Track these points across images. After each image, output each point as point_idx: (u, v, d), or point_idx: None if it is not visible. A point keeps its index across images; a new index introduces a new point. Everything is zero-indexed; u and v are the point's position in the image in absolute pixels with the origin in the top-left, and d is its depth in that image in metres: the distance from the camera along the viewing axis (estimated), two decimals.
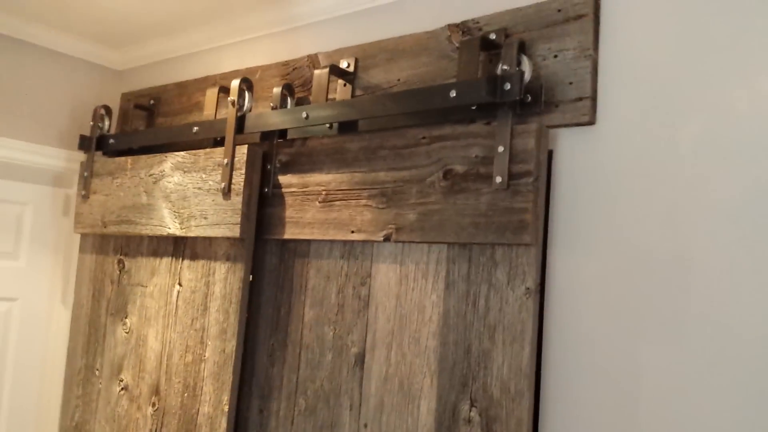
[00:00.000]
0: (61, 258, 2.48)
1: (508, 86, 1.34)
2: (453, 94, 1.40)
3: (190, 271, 1.91)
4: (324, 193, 1.69)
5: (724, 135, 1.21)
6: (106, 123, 2.32)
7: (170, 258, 1.99)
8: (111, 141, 2.26)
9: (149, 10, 2.13)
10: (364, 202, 1.61)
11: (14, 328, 2.34)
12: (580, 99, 1.36)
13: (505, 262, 1.37)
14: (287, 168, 1.80)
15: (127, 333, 2.08)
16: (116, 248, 2.18)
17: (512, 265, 1.36)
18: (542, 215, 1.37)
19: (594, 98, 1.36)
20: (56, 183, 2.46)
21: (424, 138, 1.53)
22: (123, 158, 2.17)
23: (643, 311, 1.26)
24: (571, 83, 1.38)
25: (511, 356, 1.33)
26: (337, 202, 1.66)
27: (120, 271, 2.15)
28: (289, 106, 1.84)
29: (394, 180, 1.56)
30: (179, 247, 1.96)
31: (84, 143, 2.29)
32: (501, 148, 1.38)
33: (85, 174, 2.27)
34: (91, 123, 2.31)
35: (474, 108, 1.47)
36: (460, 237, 1.42)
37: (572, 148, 1.39)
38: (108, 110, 2.33)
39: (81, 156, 2.37)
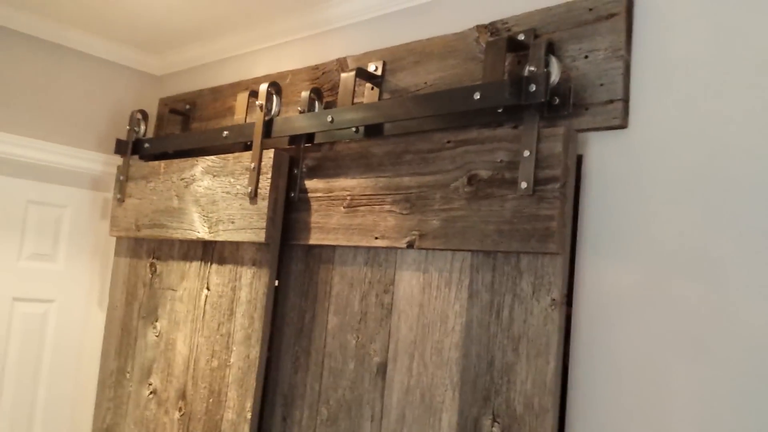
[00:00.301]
0: (98, 261, 2.52)
1: (533, 88, 1.29)
2: (477, 96, 1.36)
3: (217, 275, 1.91)
4: (349, 198, 1.66)
5: (767, 137, 1.13)
6: (142, 127, 2.34)
7: (199, 262, 1.99)
8: (146, 145, 2.28)
9: (185, 16, 2.14)
10: (388, 207, 1.57)
11: (51, 330, 2.39)
12: (612, 101, 1.30)
13: (530, 272, 1.32)
14: (314, 172, 1.77)
15: (157, 336, 2.09)
16: (149, 252, 2.20)
17: (537, 275, 1.30)
18: (570, 223, 1.30)
19: (626, 100, 1.30)
20: (94, 186, 2.51)
21: (449, 142, 1.48)
22: (156, 162, 2.19)
23: (677, 325, 1.18)
24: (602, 85, 1.32)
25: (536, 370, 1.27)
26: (362, 208, 1.63)
27: (152, 274, 2.17)
28: (316, 110, 1.82)
29: (419, 185, 1.52)
30: (208, 251, 1.96)
31: (120, 147, 2.32)
32: (527, 153, 1.32)
33: (121, 178, 2.30)
34: (128, 127, 2.34)
35: (500, 111, 1.42)
36: (484, 244, 1.37)
37: (603, 153, 1.32)
38: (144, 114, 2.36)
39: (119, 160, 2.41)
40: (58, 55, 2.38)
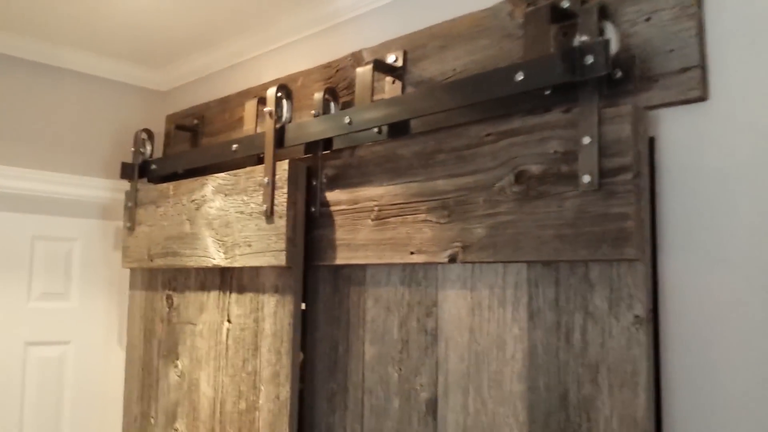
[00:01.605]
0: (114, 295, 2.34)
1: (590, 59, 1.06)
2: (520, 77, 1.13)
3: (238, 305, 1.71)
4: (376, 208, 1.45)
5: None
6: (148, 148, 2.16)
7: (218, 292, 1.79)
8: (153, 166, 2.10)
9: (186, 24, 1.95)
10: (422, 216, 1.35)
11: (69, 374, 2.21)
12: (686, 69, 1.06)
13: (604, 284, 1.09)
14: (335, 183, 1.56)
15: (179, 377, 1.90)
16: (164, 283, 2.02)
17: (614, 287, 1.07)
18: (648, 221, 1.07)
19: (703, 67, 1.06)
20: (104, 215, 2.33)
21: (488, 135, 1.26)
22: (165, 185, 2.00)
23: None
24: (671, 51, 1.08)
25: (622, 405, 1.04)
26: (392, 219, 1.41)
27: (169, 308, 1.98)
28: (332, 112, 1.61)
29: (456, 188, 1.30)
30: (226, 279, 1.77)
31: (126, 171, 2.14)
32: (587, 139, 1.09)
33: (129, 204, 2.12)
34: (132, 149, 2.16)
35: (549, 93, 1.19)
36: (543, 254, 1.14)
37: (680, 133, 1.08)
38: (150, 134, 2.18)
39: (128, 185, 2.23)
40: (53, 78, 2.21)
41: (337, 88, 1.67)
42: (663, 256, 1.09)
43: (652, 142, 1.11)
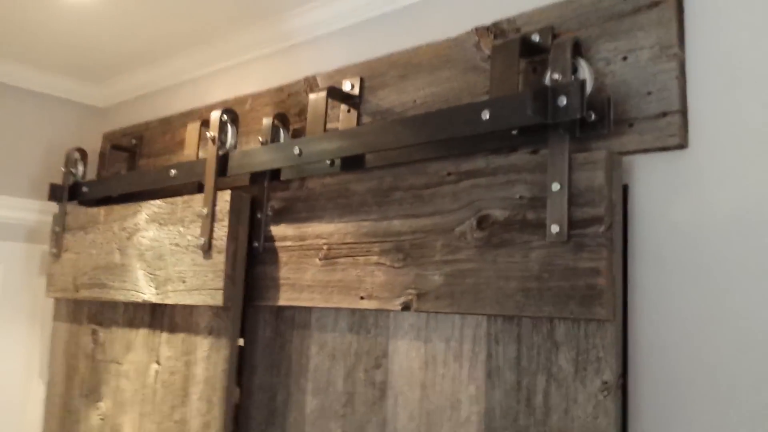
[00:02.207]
0: (37, 325, 2.14)
1: (564, 101, 0.97)
2: (486, 115, 1.04)
3: (169, 346, 1.56)
4: (326, 247, 1.33)
5: None
6: (80, 168, 1.99)
7: (147, 330, 1.63)
8: (84, 189, 1.94)
9: (129, 37, 1.81)
10: (375, 259, 1.24)
11: None
12: (665, 114, 0.99)
13: (571, 344, 0.99)
14: (281, 216, 1.44)
15: (101, 420, 1.72)
16: (90, 316, 1.84)
17: (581, 349, 0.98)
18: (620, 278, 0.98)
19: (684, 112, 0.98)
20: (30, 239, 2.14)
21: (449, 174, 1.16)
22: (96, 209, 1.84)
23: None
24: (649, 93, 1.01)
25: None
26: (342, 259, 1.30)
27: (94, 343, 1.81)
28: (282, 140, 1.49)
29: (413, 230, 1.19)
30: (157, 316, 1.61)
31: (55, 193, 1.97)
32: (556, 186, 1.00)
33: (56, 229, 1.95)
34: (63, 169, 1.99)
35: (515, 132, 1.10)
36: (504, 307, 1.04)
37: (657, 182, 1.00)
38: (83, 153, 2.01)
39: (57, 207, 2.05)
40: None
41: (288, 113, 1.55)
42: (634, 316, 1.00)
43: (625, 191, 1.03)
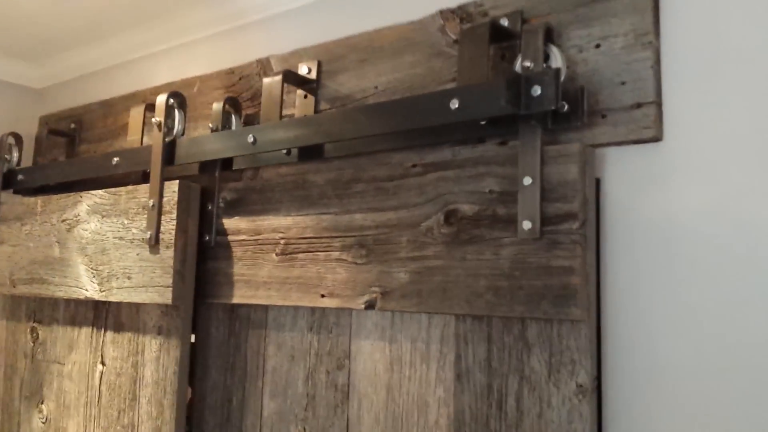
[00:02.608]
0: None
1: (537, 90, 0.92)
2: (455, 104, 0.98)
3: (114, 346, 1.47)
4: (283, 242, 1.26)
5: None
6: (15, 155, 1.86)
7: (90, 328, 1.54)
8: (20, 177, 1.80)
9: (68, 14, 1.68)
10: (336, 255, 1.18)
11: None
12: (639, 105, 0.95)
13: (543, 345, 0.95)
14: (234, 208, 1.36)
15: (44, 423, 1.62)
16: (29, 314, 1.73)
17: (554, 350, 0.94)
18: (594, 277, 0.94)
19: (659, 103, 0.95)
20: None
21: (414, 166, 1.10)
22: (33, 199, 1.72)
23: (756, 418, 0.84)
24: (623, 83, 0.96)
25: None
26: (301, 255, 1.23)
27: (33, 342, 1.69)
28: (234, 127, 1.41)
29: (376, 225, 1.13)
30: (101, 314, 1.52)
31: None
32: (528, 180, 0.96)
33: None
34: None
35: (483, 122, 1.05)
36: (474, 307, 0.99)
37: (630, 175, 0.97)
38: (18, 138, 1.88)
39: None
40: None
41: (239, 98, 1.46)
42: (607, 315, 0.96)
43: (597, 184, 0.99)
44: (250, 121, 1.44)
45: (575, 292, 0.90)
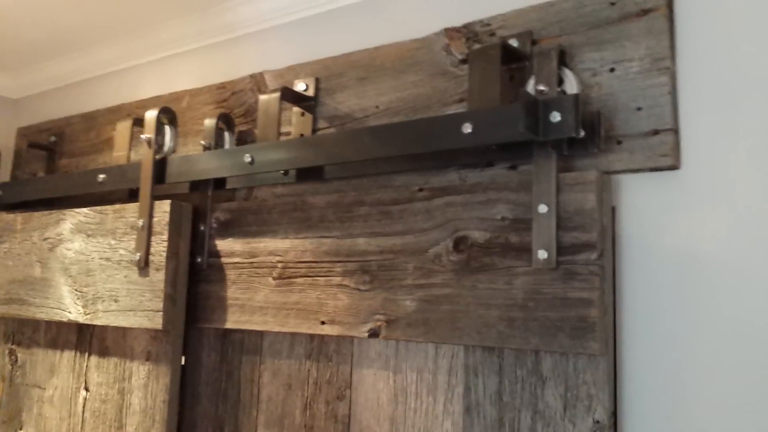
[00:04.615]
0: None
1: (557, 117, 0.89)
2: (468, 129, 0.95)
3: (99, 371, 1.40)
4: (280, 265, 1.21)
5: None
6: None
7: (73, 352, 1.47)
8: None
9: (49, 21, 1.62)
10: (338, 280, 1.13)
11: None
12: (656, 132, 0.92)
13: (558, 379, 0.92)
14: (228, 229, 1.31)
15: None
16: (7, 335, 1.65)
17: (570, 384, 0.91)
18: (612, 310, 0.92)
19: (676, 130, 0.92)
20: None
21: (421, 190, 1.06)
22: (12, 215, 1.65)
23: None
24: (639, 109, 0.94)
25: None
26: (300, 279, 1.18)
27: (12, 365, 1.62)
28: (227, 145, 1.36)
29: (381, 250, 1.09)
30: (84, 337, 1.45)
31: None
32: (543, 208, 0.93)
33: None
34: None
35: (494, 146, 1.02)
36: (486, 338, 0.96)
37: (647, 204, 0.94)
38: None
39: None
40: None
41: (232, 113, 1.42)
42: (623, 349, 0.93)
43: (612, 213, 0.96)
44: (243, 138, 1.39)
45: (593, 325, 0.87)
